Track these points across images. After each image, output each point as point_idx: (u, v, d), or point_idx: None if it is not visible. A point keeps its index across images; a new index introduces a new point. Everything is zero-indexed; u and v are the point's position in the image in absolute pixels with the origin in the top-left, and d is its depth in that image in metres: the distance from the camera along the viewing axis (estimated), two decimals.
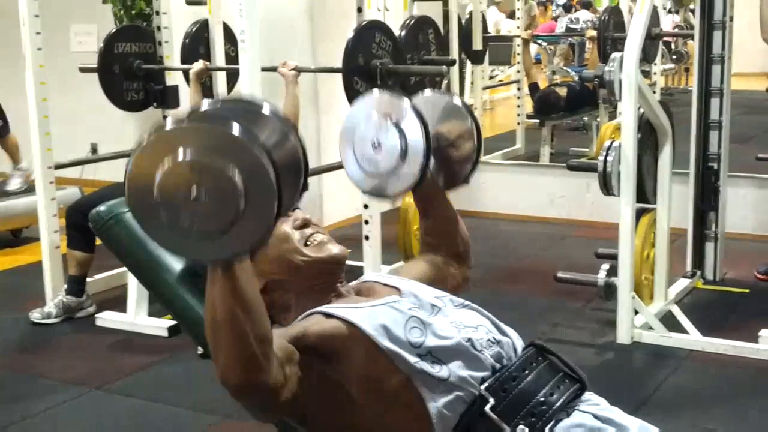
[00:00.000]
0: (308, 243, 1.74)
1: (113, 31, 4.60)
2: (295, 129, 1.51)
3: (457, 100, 1.97)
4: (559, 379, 1.63)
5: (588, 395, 1.66)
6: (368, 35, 4.01)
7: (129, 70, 4.53)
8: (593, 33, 7.25)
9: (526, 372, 1.62)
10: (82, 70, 4.58)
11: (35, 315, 4.19)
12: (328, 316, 1.64)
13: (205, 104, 1.45)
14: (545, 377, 1.63)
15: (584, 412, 1.61)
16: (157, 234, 1.37)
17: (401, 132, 1.81)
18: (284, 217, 1.75)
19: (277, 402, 1.48)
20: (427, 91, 2.03)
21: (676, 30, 10.55)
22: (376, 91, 1.91)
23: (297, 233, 1.74)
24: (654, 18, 4.40)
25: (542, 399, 1.59)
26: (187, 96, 4.51)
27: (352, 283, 1.84)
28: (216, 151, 1.32)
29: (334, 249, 1.75)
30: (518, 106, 7.52)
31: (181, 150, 1.32)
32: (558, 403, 1.59)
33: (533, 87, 7.26)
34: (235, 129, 1.33)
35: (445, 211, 1.98)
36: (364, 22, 4.13)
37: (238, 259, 1.37)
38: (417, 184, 1.84)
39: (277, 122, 1.50)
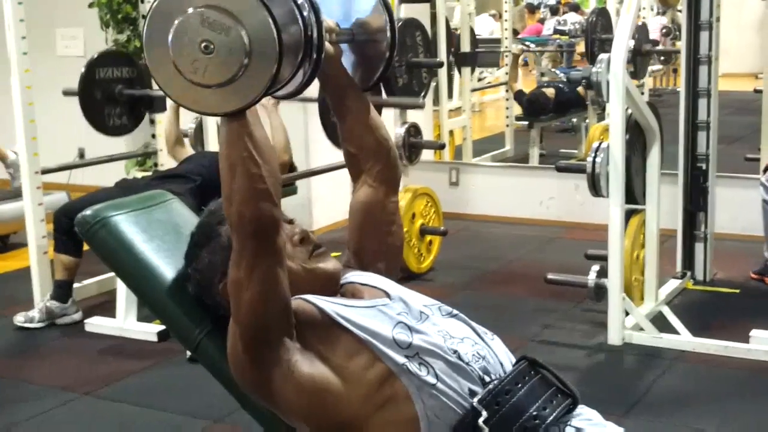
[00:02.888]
0: (313, 256, 1.75)
1: (94, 56, 4.58)
2: (299, 6, 1.54)
3: None
4: (552, 394, 1.63)
5: (580, 409, 1.66)
6: None
7: (111, 96, 4.53)
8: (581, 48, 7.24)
9: (519, 386, 1.61)
10: (66, 93, 4.57)
11: (19, 318, 4.17)
12: (307, 302, 1.66)
13: None
14: (538, 391, 1.62)
15: (576, 427, 1.62)
16: (170, 86, 1.52)
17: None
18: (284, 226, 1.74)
19: (279, 255, 1.57)
20: None
21: (664, 32, 10.59)
22: None
23: (300, 249, 1.74)
24: (644, 34, 4.39)
25: (535, 413, 1.59)
26: None
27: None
28: (226, 5, 1.46)
29: (329, 265, 1.76)
30: (507, 108, 7.53)
31: (194, 2, 1.46)
32: (550, 418, 1.59)
33: (519, 94, 7.27)
34: None
35: (360, 110, 1.83)
36: None
37: (244, 109, 1.50)
38: (311, 76, 1.63)
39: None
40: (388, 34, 1.80)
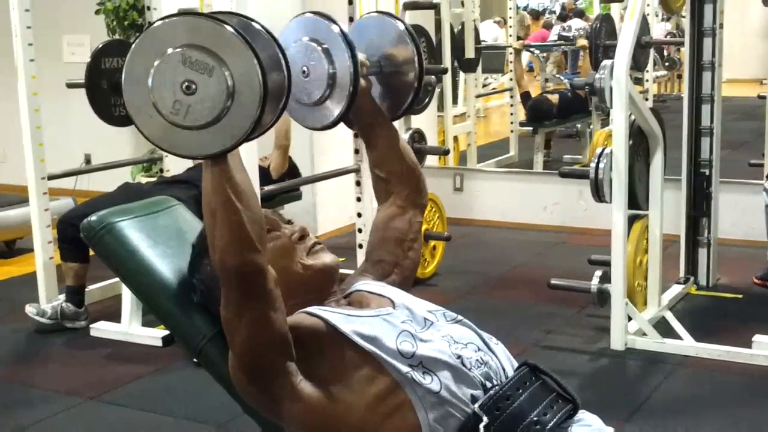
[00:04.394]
0: (312, 252, 1.77)
1: (100, 46, 4.58)
2: (283, 51, 1.57)
3: (401, 26, 1.90)
4: (553, 399, 1.64)
5: (581, 415, 1.67)
6: None
7: (117, 85, 4.51)
8: (584, 42, 7.27)
9: (520, 391, 1.62)
10: (69, 85, 4.57)
11: (30, 309, 4.17)
12: (311, 315, 1.67)
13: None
14: (538, 397, 1.63)
15: None
16: (149, 129, 1.47)
17: (330, 58, 1.74)
18: (281, 233, 1.76)
19: (269, 298, 1.55)
20: (373, 14, 1.95)
21: (669, 38, 10.59)
22: (307, 13, 1.83)
23: (300, 246, 1.76)
24: (644, 26, 4.41)
25: (536, 418, 1.60)
26: None
27: (344, 293, 1.84)
28: (210, 45, 1.43)
29: (327, 258, 1.78)
30: (511, 114, 7.55)
31: (176, 42, 1.44)
32: (551, 423, 1.60)
33: (525, 96, 7.28)
34: (229, 26, 1.43)
35: (388, 139, 1.92)
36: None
37: (226, 152, 1.47)
38: (347, 108, 1.77)
39: (273, 43, 1.57)
40: (416, 66, 1.87)
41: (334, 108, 1.77)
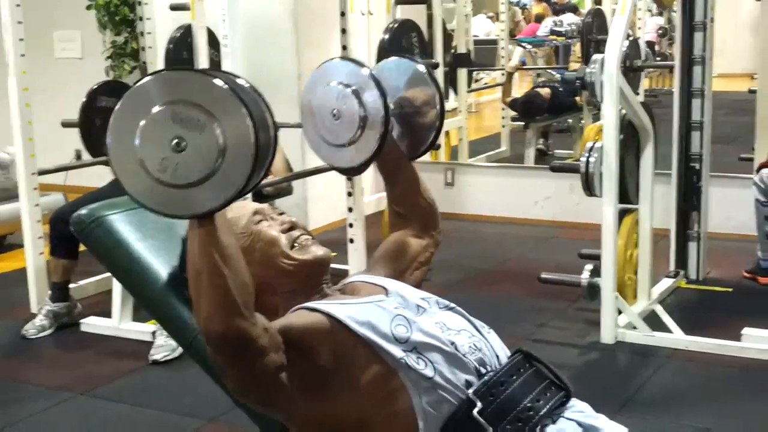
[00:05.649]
0: (295, 245, 1.77)
1: (95, 86, 4.60)
2: (270, 110, 1.54)
3: (421, 67, 1.94)
4: (546, 386, 1.66)
5: (573, 402, 1.68)
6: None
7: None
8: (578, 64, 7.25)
9: (514, 378, 1.64)
10: (64, 125, 4.60)
11: (31, 332, 4.10)
12: (312, 310, 1.67)
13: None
14: (532, 384, 1.65)
15: (569, 419, 1.64)
16: (136, 188, 1.43)
17: (360, 100, 1.78)
18: (271, 221, 1.77)
19: (258, 362, 1.49)
20: (392, 58, 1.99)
21: (660, 32, 10.61)
22: (336, 59, 1.88)
23: (284, 237, 1.76)
24: (636, 50, 4.41)
25: (529, 405, 1.61)
26: None
27: (338, 285, 1.85)
28: (199, 100, 1.39)
29: (318, 251, 1.78)
30: (503, 109, 7.54)
31: (165, 98, 1.39)
32: (544, 410, 1.62)
33: (512, 102, 7.29)
34: (219, 81, 1.39)
35: (409, 178, 1.97)
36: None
37: (214, 212, 1.42)
38: (377, 153, 1.81)
39: (256, 97, 1.54)
40: (438, 106, 1.91)
41: (364, 150, 1.81)
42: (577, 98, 7.13)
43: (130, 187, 1.43)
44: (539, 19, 11.83)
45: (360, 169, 1.87)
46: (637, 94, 6.05)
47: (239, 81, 1.53)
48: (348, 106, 1.78)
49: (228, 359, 1.50)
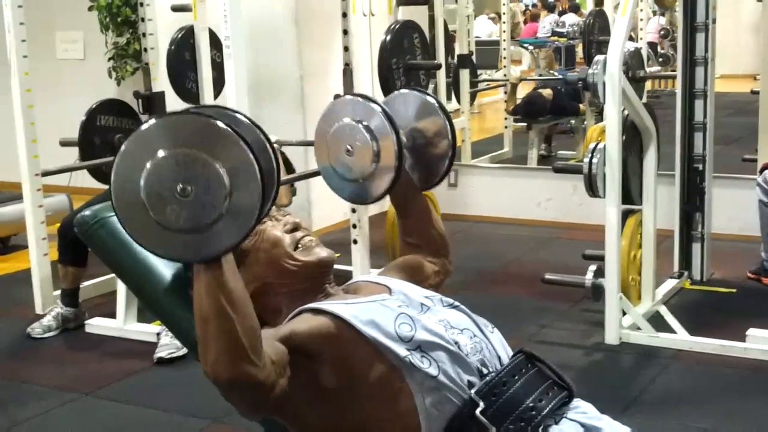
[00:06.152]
0: (299, 246, 1.77)
1: (95, 105, 4.60)
2: (269, 140, 1.56)
3: (431, 99, 1.97)
4: (548, 386, 1.66)
5: (576, 402, 1.68)
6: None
7: (109, 144, 4.55)
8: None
9: (516, 378, 1.64)
10: (63, 144, 4.60)
11: (37, 330, 4.10)
12: (316, 312, 1.67)
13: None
14: (534, 384, 1.65)
15: (572, 420, 1.64)
16: (141, 234, 1.42)
17: (373, 135, 1.82)
18: (275, 222, 1.78)
19: (267, 398, 1.49)
20: (403, 90, 2.03)
21: (662, 33, 10.61)
22: (346, 96, 1.92)
23: (288, 237, 1.77)
24: (638, 60, 4.41)
25: (531, 405, 1.61)
26: (173, 102, 4.52)
27: (342, 286, 1.85)
28: (203, 144, 1.38)
29: (322, 252, 1.78)
30: (506, 110, 7.54)
31: (167, 143, 1.38)
32: (546, 410, 1.62)
33: (515, 109, 7.30)
34: (221, 123, 1.39)
35: (422, 209, 1.99)
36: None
37: (222, 255, 1.41)
38: (391, 188, 1.85)
39: (255, 129, 1.55)
40: (449, 137, 1.94)
41: (378, 185, 1.86)
42: (581, 105, 7.16)
43: (132, 230, 1.42)
44: (535, 17, 11.81)
45: (373, 201, 1.91)
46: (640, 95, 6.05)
47: (238, 116, 1.56)
48: (361, 142, 1.82)
49: (236, 400, 1.50)
